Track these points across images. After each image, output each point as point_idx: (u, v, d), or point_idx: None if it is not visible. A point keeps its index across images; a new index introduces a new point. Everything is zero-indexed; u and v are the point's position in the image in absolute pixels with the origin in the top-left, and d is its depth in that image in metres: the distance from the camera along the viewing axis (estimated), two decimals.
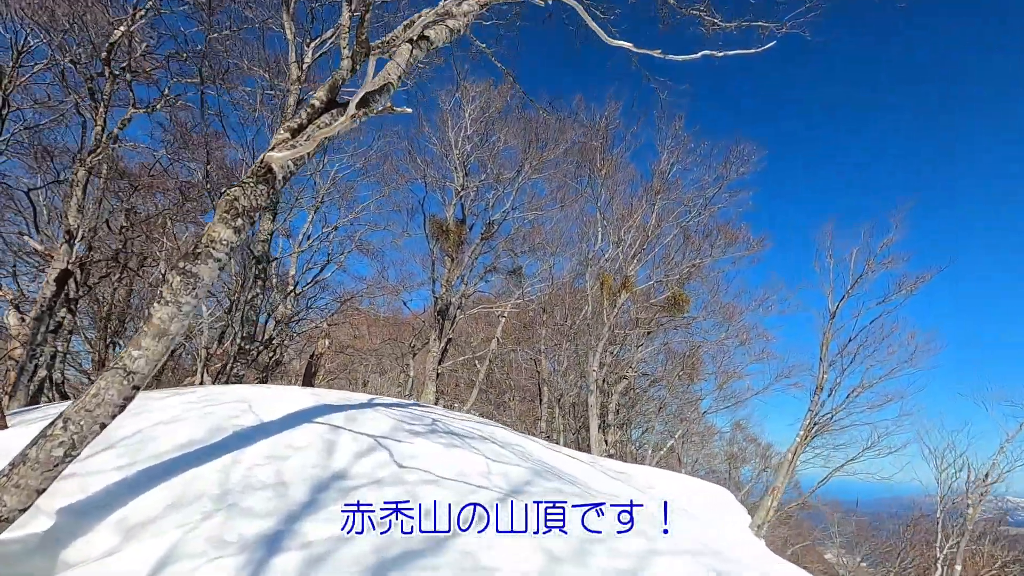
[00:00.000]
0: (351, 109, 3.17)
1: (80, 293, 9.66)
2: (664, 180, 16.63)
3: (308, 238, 19.56)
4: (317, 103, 3.80)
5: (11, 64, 10.69)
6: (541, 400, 22.12)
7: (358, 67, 3.93)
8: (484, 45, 5.79)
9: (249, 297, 13.07)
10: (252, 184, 3.48)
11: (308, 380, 17.98)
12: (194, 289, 3.31)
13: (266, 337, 15.32)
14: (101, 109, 9.19)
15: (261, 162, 3.51)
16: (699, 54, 4.85)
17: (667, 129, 16.71)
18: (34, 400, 8.41)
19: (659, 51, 4.62)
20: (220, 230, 3.39)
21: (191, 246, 3.60)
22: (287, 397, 5.38)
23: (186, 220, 13.23)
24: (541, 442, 8.47)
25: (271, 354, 17.80)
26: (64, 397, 13.97)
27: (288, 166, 3.64)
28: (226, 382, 12.64)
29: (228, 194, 3.43)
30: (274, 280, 19.60)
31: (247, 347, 12.76)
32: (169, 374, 18.62)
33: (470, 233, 19.60)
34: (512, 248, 20.74)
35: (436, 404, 21.04)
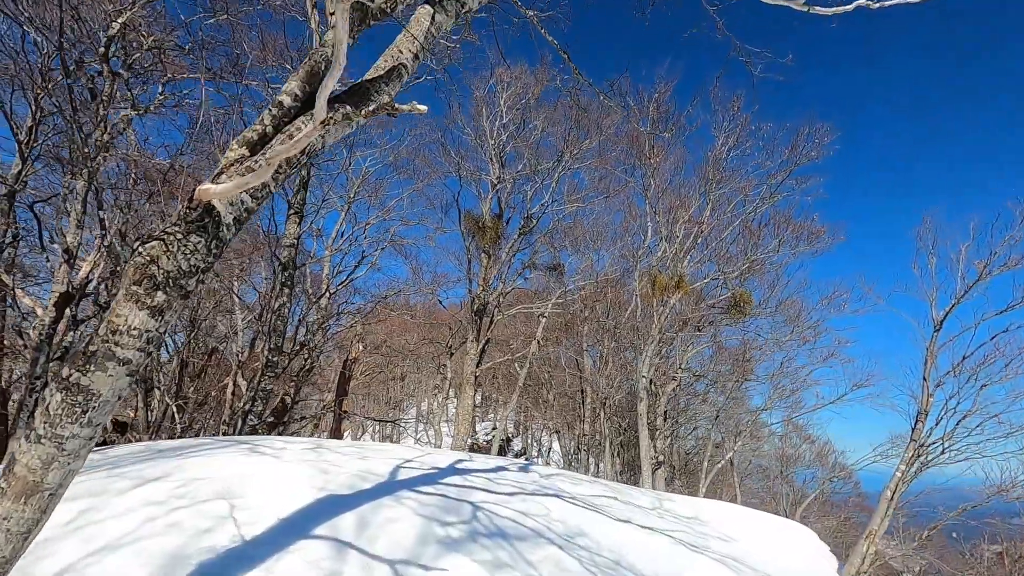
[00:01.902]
0: (320, 109, 1.78)
1: (92, 313, 8.71)
2: (720, 167, 14.75)
3: (342, 236, 18.51)
4: (287, 99, 2.39)
5: (42, 68, 9.79)
6: (583, 401, 20.74)
7: (355, 39, 2.51)
8: (532, 12, 4.27)
9: (276, 306, 12.06)
10: (181, 235, 2.13)
11: (342, 387, 17.10)
12: (85, 413, 2.00)
13: (296, 345, 14.38)
14: (101, 112, 8.09)
15: (192, 200, 2.13)
16: (852, 6, 3.23)
17: (724, 111, 14.77)
18: None
19: (802, 1, 3.03)
20: (129, 313, 2.06)
21: (87, 340, 2.29)
22: (287, 478, 4.10)
23: None
24: (599, 491, 7.07)
25: (305, 357, 16.92)
26: None
27: (243, 202, 2.28)
28: (253, 396, 11.74)
29: (141, 254, 2.09)
30: (308, 282, 18.73)
31: (274, 359, 11.77)
32: (211, 370, 18.05)
33: (507, 228, 18.21)
34: (552, 243, 19.25)
35: (475, 408, 19.88)
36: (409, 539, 3.55)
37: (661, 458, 17.61)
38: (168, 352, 17.99)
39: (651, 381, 15.83)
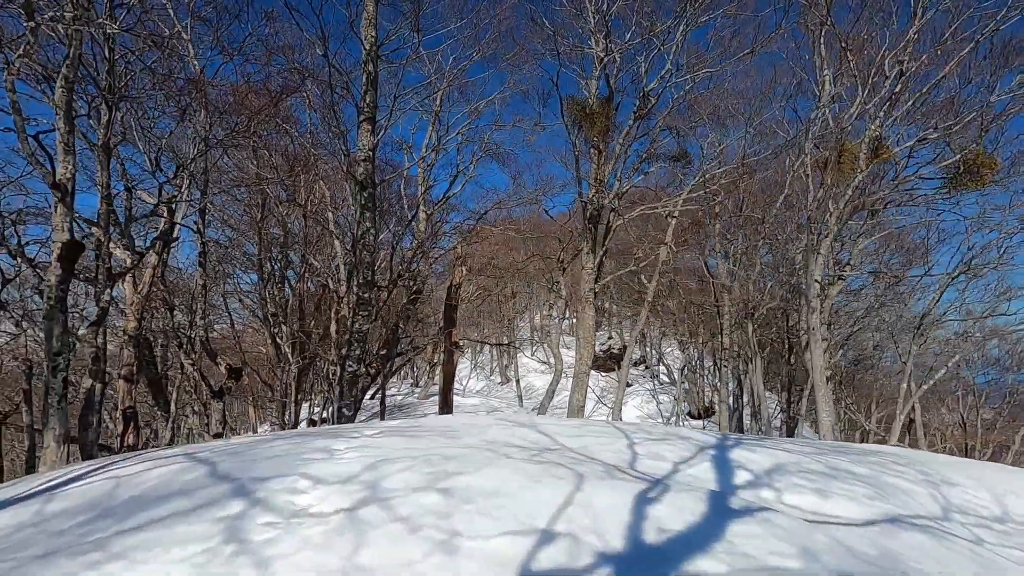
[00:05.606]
0: None
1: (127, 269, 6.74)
2: None
3: (436, 145, 15.54)
4: None
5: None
6: (720, 312, 16.99)
7: None
8: None
9: (359, 234, 9.64)
10: None
11: (449, 316, 14.99)
12: None
13: (394, 276, 12.18)
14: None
15: None
16: None
17: None
18: (83, 421, 5.80)
19: None
20: None
21: None
22: None
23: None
24: (863, 501, 3.86)
25: (413, 287, 14.87)
26: (212, 356, 12.23)
27: None
28: (349, 340, 9.71)
29: None
30: (405, 203, 16.37)
31: (365, 295, 9.52)
32: (329, 304, 16.90)
33: (618, 114, 14.12)
34: (676, 125, 14.86)
35: (597, 329, 17.14)
36: None
37: (829, 372, 13.80)
38: (290, 288, 16.96)
39: (821, 285, 11.76)
